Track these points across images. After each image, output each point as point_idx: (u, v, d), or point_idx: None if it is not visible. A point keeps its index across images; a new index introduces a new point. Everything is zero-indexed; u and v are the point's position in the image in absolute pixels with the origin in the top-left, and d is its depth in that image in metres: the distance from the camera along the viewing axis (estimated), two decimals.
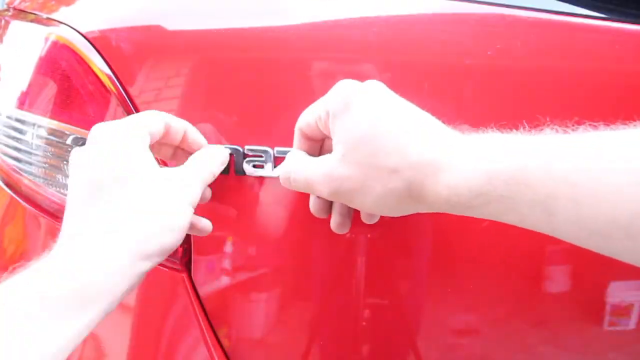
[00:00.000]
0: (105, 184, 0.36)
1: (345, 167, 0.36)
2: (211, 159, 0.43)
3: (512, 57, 0.45)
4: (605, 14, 0.45)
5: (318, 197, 0.43)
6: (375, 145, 0.35)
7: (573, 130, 0.32)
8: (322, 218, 0.44)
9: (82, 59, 0.48)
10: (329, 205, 0.43)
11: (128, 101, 0.48)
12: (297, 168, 0.40)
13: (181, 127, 0.43)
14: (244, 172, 0.46)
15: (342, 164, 0.36)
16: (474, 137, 0.34)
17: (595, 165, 0.28)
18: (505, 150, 0.31)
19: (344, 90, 0.37)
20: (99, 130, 0.39)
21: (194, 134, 0.44)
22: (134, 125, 0.39)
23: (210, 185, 0.44)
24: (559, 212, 0.28)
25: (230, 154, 0.46)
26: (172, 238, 0.37)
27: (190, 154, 0.44)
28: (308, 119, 0.40)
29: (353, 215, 0.44)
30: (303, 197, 0.45)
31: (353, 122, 0.36)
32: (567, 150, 0.29)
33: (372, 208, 0.37)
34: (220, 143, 0.46)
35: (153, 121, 0.41)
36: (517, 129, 0.34)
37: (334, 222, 0.43)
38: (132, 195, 0.36)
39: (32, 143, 0.51)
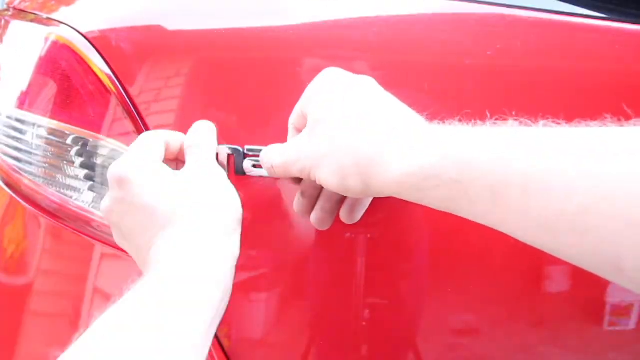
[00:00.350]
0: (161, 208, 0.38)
1: (311, 142, 0.37)
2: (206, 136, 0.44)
3: (512, 57, 0.45)
4: (605, 14, 0.45)
5: (301, 196, 0.44)
6: (339, 121, 0.36)
7: (535, 124, 0.32)
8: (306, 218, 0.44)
9: (82, 59, 0.48)
10: (312, 204, 0.44)
11: (128, 101, 0.48)
12: (276, 154, 0.41)
13: (178, 140, 0.44)
14: (243, 172, 0.46)
15: (308, 140, 0.38)
16: (439, 127, 0.35)
17: (548, 155, 0.27)
18: (462, 136, 0.32)
19: (324, 74, 0.40)
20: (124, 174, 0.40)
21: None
22: (145, 155, 0.41)
23: None
24: (506, 201, 0.28)
25: (230, 154, 0.46)
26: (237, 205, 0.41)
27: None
28: (296, 109, 0.41)
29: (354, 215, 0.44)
30: None
31: (325, 99, 0.38)
32: (522, 139, 0.29)
33: (327, 184, 0.37)
34: (221, 143, 0.46)
35: (155, 144, 0.42)
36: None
37: (314, 216, 0.44)
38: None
39: (32, 143, 0.51)
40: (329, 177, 0.36)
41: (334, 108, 0.37)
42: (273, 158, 0.41)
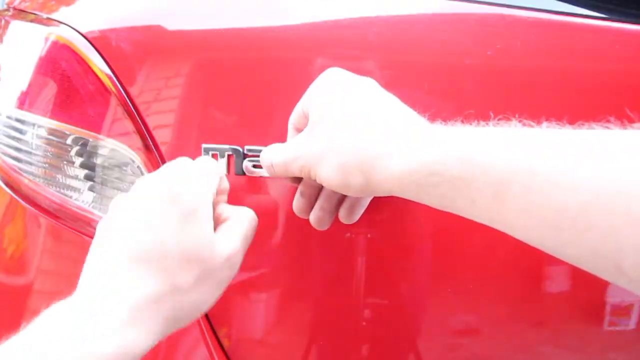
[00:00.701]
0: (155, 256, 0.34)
1: (311, 141, 0.38)
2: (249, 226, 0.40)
3: (512, 57, 0.45)
4: (605, 14, 0.45)
5: (301, 196, 0.44)
6: (338, 121, 0.36)
7: (538, 125, 0.32)
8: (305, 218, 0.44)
9: (82, 59, 0.48)
10: (311, 204, 0.44)
11: (128, 101, 0.48)
12: (275, 153, 0.41)
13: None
14: (243, 172, 0.46)
15: (308, 139, 0.38)
16: (440, 127, 0.35)
17: (551, 154, 0.27)
18: (465, 135, 0.32)
19: (325, 75, 0.40)
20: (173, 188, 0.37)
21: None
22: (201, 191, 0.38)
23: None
24: (509, 198, 0.28)
25: (230, 155, 0.46)
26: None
27: None
28: (297, 109, 0.42)
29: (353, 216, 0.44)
30: None
31: (326, 99, 0.38)
32: (524, 139, 0.29)
33: (328, 182, 0.37)
34: (220, 143, 0.46)
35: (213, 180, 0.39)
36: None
37: (313, 216, 0.44)
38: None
39: (32, 143, 0.51)
40: (329, 175, 0.36)
41: (334, 108, 0.37)
42: (273, 157, 0.41)
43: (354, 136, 0.35)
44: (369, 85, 0.38)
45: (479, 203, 0.30)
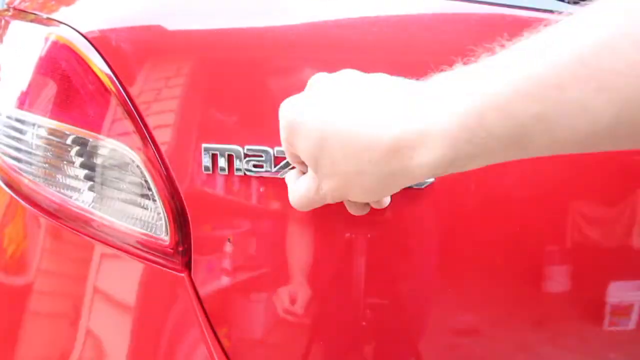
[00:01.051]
0: None
1: (322, 182, 0.37)
2: None
3: None
4: None
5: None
6: (334, 155, 0.34)
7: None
8: (356, 215, 0.43)
9: (82, 59, 0.48)
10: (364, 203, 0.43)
11: (128, 101, 0.48)
12: (292, 195, 0.41)
13: None
14: (244, 172, 0.46)
15: (317, 181, 0.38)
16: (439, 87, 0.34)
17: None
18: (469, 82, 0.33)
19: (283, 115, 0.38)
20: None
21: None
22: None
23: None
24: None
25: (230, 155, 0.46)
26: None
27: None
28: (285, 150, 0.40)
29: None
30: None
31: (303, 142, 0.36)
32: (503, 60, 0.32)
33: (365, 199, 0.37)
34: (220, 143, 0.46)
35: None
36: None
37: (352, 210, 0.43)
38: None
39: (32, 143, 0.51)
40: (363, 198, 0.37)
41: (317, 146, 0.35)
42: (297, 203, 0.41)
43: (355, 159, 0.33)
44: (338, 99, 0.35)
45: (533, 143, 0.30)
